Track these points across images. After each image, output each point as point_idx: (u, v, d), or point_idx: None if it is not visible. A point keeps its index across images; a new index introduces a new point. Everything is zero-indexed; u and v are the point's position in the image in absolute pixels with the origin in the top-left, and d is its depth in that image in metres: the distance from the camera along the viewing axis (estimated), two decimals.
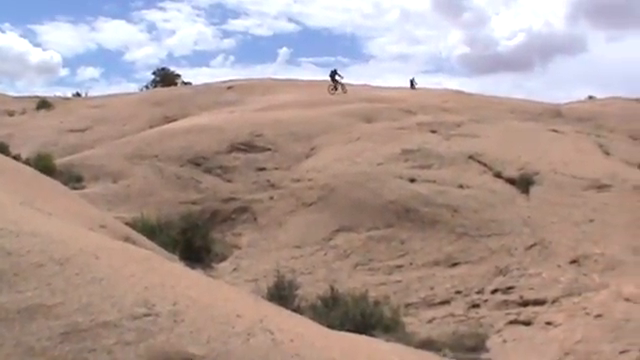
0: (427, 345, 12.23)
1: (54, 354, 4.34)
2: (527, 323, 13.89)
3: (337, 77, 44.70)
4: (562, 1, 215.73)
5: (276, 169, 24.20)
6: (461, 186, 20.55)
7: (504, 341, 13.32)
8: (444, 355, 11.69)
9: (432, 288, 15.85)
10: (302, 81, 54.95)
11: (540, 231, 17.58)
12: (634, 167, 24.19)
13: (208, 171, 24.35)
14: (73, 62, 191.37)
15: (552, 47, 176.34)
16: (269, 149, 25.79)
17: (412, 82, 51.89)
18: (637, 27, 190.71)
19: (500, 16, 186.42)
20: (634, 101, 47.98)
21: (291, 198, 21.56)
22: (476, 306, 14.96)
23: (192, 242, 17.45)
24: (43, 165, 21.31)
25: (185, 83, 66.81)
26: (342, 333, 7.27)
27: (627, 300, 13.50)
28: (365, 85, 51.77)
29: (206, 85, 53.25)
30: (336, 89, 43.21)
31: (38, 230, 5.78)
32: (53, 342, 4.39)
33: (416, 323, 14.23)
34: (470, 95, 48.90)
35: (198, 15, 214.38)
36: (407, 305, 15.13)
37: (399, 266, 17.05)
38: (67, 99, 54.58)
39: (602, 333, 12.45)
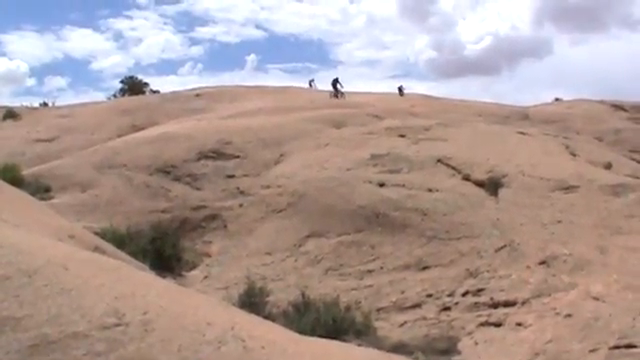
0: (399, 349, 12.28)
1: None
2: (498, 324, 13.99)
3: (338, 85, 47.77)
4: (527, 5, 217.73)
5: (245, 176, 24.15)
6: (430, 190, 20.63)
7: (475, 343, 13.41)
8: (416, 358, 11.74)
9: (403, 292, 15.90)
10: (270, 87, 55.03)
11: (509, 233, 17.69)
12: (600, 168, 24.47)
13: (177, 179, 24.26)
14: (40, 72, 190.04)
15: (518, 51, 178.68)
16: (238, 156, 25.75)
17: (400, 89, 52.83)
18: (600, 31, 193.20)
19: (466, 20, 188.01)
20: (599, 103, 48.65)
21: (261, 205, 21.53)
22: (447, 309, 15.03)
23: (162, 251, 17.37)
24: (10, 176, 21.04)
25: (153, 91, 66.56)
26: (314, 339, 7.26)
27: (595, 299, 13.65)
28: (329, 91, 52.21)
29: (174, 93, 53.13)
30: (337, 96, 44.68)
31: (5, 241, 5.73)
32: (22, 355, 4.35)
33: (388, 327, 14.29)
34: (438, 99, 49.41)
35: (165, 23, 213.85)
36: (378, 309, 15.18)
37: (370, 271, 17.08)
38: (34, 109, 54.18)
39: (572, 332, 12.58)
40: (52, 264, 5.47)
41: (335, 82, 47.46)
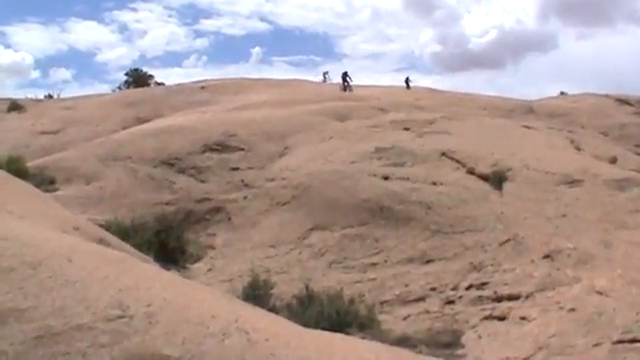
0: (403, 342, 12.28)
1: (28, 358, 4.31)
2: (502, 318, 13.97)
3: (347, 79, 48.79)
4: None
5: (250, 169, 24.16)
6: (434, 183, 20.62)
7: (479, 336, 13.39)
8: (420, 352, 11.73)
9: (407, 285, 15.90)
10: (275, 80, 54.99)
11: (513, 227, 17.68)
12: (605, 162, 24.44)
13: (182, 172, 24.26)
14: (44, 64, 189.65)
15: (524, 44, 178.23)
16: (242, 149, 25.75)
17: (407, 81, 52.80)
18: (606, 25, 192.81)
19: (471, 14, 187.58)
20: (604, 97, 48.56)
21: (265, 198, 21.53)
22: (451, 302, 15.02)
23: (166, 243, 17.38)
24: (15, 168, 21.05)
25: (158, 84, 66.55)
26: (317, 332, 7.25)
27: (599, 293, 13.64)
28: (339, 84, 52.29)
29: (179, 85, 53.12)
30: (346, 89, 46.69)
31: (10, 233, 5.74)
32: (26, 346, 4.36)
33: (391, 320, 14.28)
34: (443, 92, 49.34)
35: (170, 15, 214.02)
36: (382, 302, 15.17)
37: (374, 264, 17.08)
38: (39, 101, 54.25)
39: (575, 327, 12.56)
40: (56, 256, 5.48)
41: (345, 75, 48.32)
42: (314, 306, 12.95)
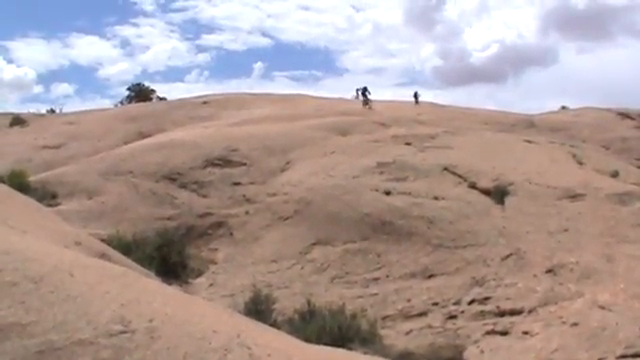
0: (405, 357, 12.28)
1: None
2: (504, 333, 13.95)
3: (367, 94, 48.18)
4: (533, 14, 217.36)
5: (251, 184, 24.16)
6: (436, 198, 20.61)
7: (481, 351, 13.37)
8: None
9: (409, 300, 15.87)
10: (277, 95, 55.01)
11: (515, 241, 17.66)
12: (607, 176, 24.42)
13: (183, 186, 24.27)
14: (47, 78, 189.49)
15: (524, 59, 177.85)
16: (244, 164, 25.75)
17: (416, 96, 52.10)
18: (606, 39, 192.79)
19: (473, 28, 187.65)
20: (605, 111, 48.62)
21: (267, 212, 21.53)
22: (453, 317, 15.00)
23: (168, 258, 17.39)
24: (17, 182, 21.12)
25: (160, 98, 66.56)
26: (319, 347, 7.25)
27: (602, 308, 13.61)
28: (340, 99, 52.28)
29: (181, 100, 53.15)
30: (367, 104, 46.33)
31: (12, 248, 5.73)
32: None
33: (394, 335, 14.26)
34: (444, 107, 49.39)
35: (172, 31, 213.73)
36: (384, 317, 15.15)
37: (376, 279, 17.06)
38: (41, 115, 54.28)
39: (578, 341, 12.53)
40: (58, 271, 5.47)
41: (364, 91, 48.20)
42: (316, 321, 12.93)
